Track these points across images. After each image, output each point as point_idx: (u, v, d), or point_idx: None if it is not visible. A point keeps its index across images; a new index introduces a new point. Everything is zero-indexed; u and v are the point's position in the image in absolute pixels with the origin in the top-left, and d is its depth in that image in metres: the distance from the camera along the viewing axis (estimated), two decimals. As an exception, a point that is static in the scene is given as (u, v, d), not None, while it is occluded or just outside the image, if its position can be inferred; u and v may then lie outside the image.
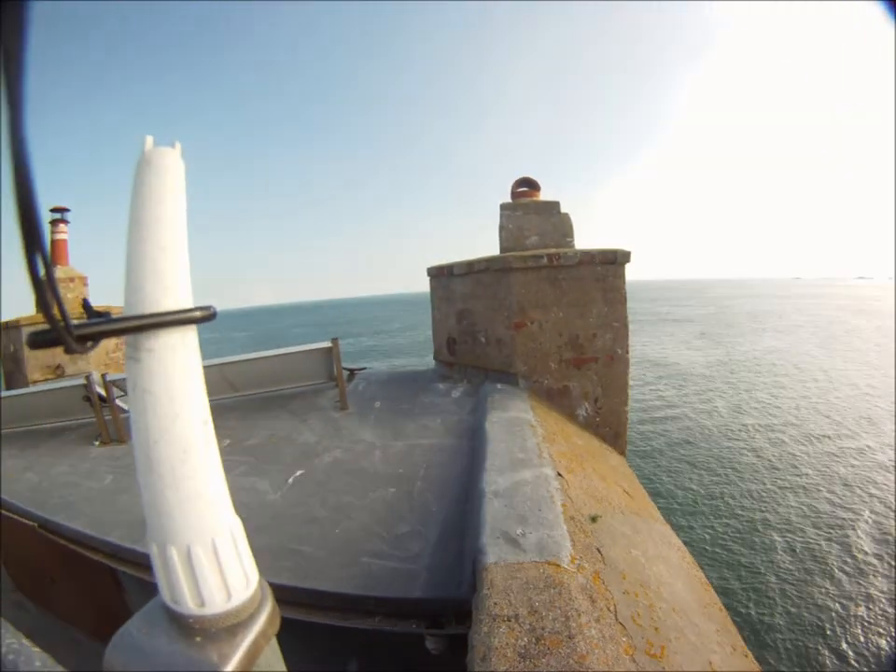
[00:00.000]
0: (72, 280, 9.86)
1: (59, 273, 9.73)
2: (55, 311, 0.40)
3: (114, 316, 0.46)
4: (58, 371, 8.90)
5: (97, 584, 3.23)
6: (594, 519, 2.27)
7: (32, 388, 7.72)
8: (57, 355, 8.85)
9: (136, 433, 0.50)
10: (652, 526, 2.70)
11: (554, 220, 5.38)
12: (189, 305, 0.49)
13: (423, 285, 6.32)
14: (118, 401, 4.95)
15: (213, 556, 0.52)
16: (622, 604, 1.69)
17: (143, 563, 2.68)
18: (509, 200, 5.59)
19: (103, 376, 4.85)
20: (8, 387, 9.06)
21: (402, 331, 55.14)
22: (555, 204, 5.45)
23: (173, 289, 0.48)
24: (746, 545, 8.79)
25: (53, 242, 9.99)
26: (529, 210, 5.38)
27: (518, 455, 2.77)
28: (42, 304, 0.38)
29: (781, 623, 7.07)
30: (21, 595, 3.99)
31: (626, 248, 4.76)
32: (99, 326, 0.44)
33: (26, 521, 3.44)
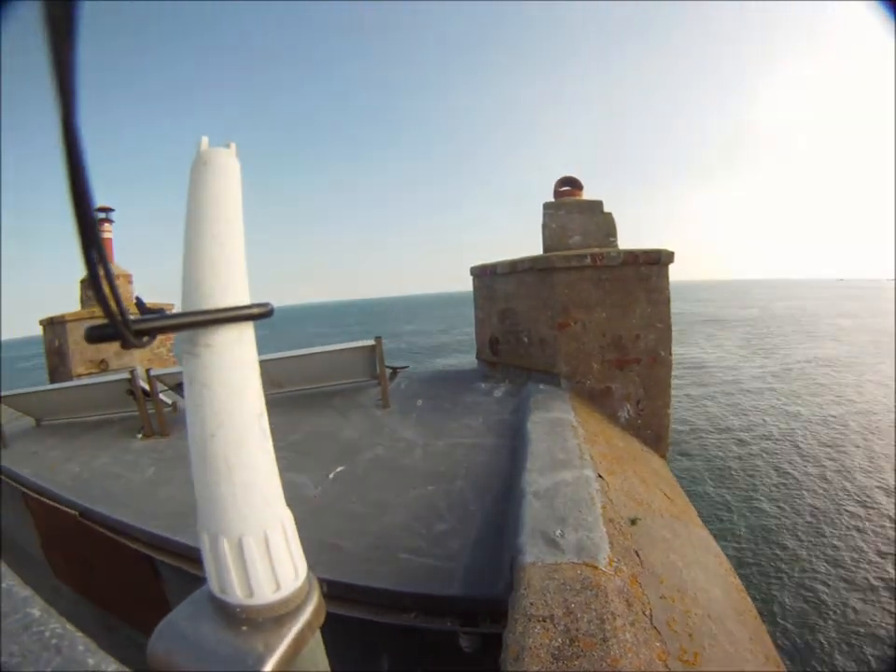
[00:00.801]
0: (117, 278, 10.13)
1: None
2: (113, 306, 0.41)
3: (172, 312, 0.48)
4: (102, 366, 9.12)
5: (135, 573, 3.30)
6: (633, 522, 2.25)
7: (76, 382, 7.95)
8: (102, 350, 9.10)
9: (192, 426, 0.51)
10: (692, 531, 2.66)
11: (597, 220, 5.32)
12: (247, 302, 0.50)
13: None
14: (161, 396, 5.07)
15: (264, 548, 0.53)
16: (657, 608, 1.67)
17: (181, 553, 2.75)
18: (552, 199, 5.54)
19: (147, 371, 4.97)
20: (52, 381, 9.34)
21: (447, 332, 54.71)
22: (598, 204, 5.39)
23: (231, 286, 0.49)
24: (789, 557, 8.50)
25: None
26: (572, 209, 5.33)
27: (559, 456, 2.75)
28: (100, 300, 0.39)
29: (819, 640, 6.82)
30: (59, 581, 4.11)
31: (669, 249, 4.69)
32: (157, 321, 0.45)
33: (67, 509, 3.54)
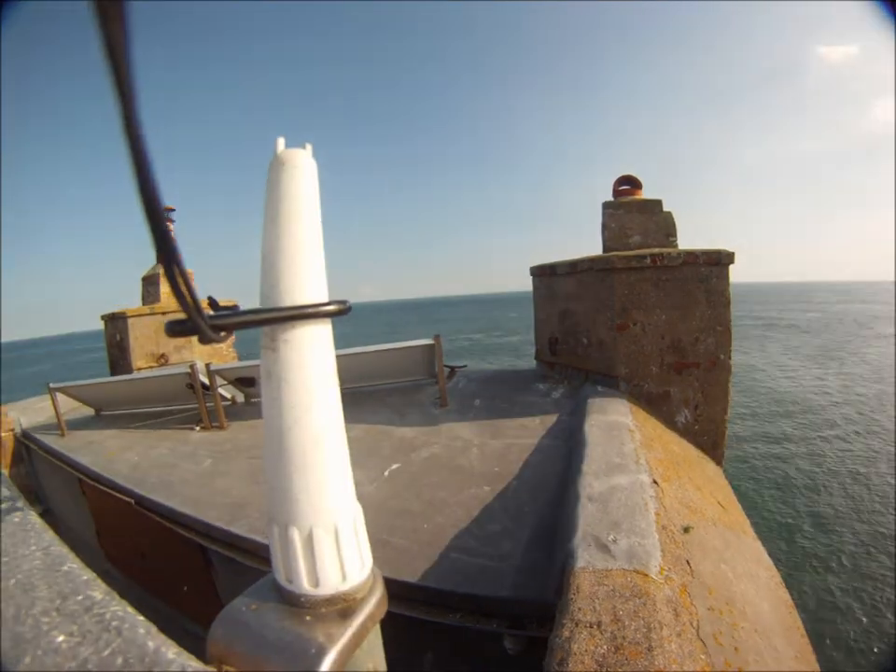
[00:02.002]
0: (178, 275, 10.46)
1: None
2: (190, 303, 0.42)
3: (251, 308, 0.49)
4: (161, 360, 9.41)
5: (187, 561, 3.39)
6: (686, 530, 2.21)
7: (137, 374, 8.22)
8: (162, 344, 9.40)
9: (269, 419, 0.53)
10: (744, 542, 2.61)
11: (657, 219, 5.24)
12: (325, 299, 0.51)
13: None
14: (220, 390, 5.20)
15: (333, 540, 0.54)
16: (705, 620, 1.64)
17: (234, 544, 2.81)
18: (611, 198, 5.48)
19: (207, 365, 5.12)
20: (113, 374, 9.69)
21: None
22: (658, 203, 5.31)
23: (309, 284, 0.50)
24: (844, 574, 8.14)
25: (160, 240, 10.65)
26: (632, 208, 5.26)
27: (615, 460, 2.72)
28: (178, 297, 0.41)
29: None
30: (111, 566, 4.25)
31: (730, 249, 4.59)
32: (235, 317, 0.47)
33: (123, 497, 3.66)
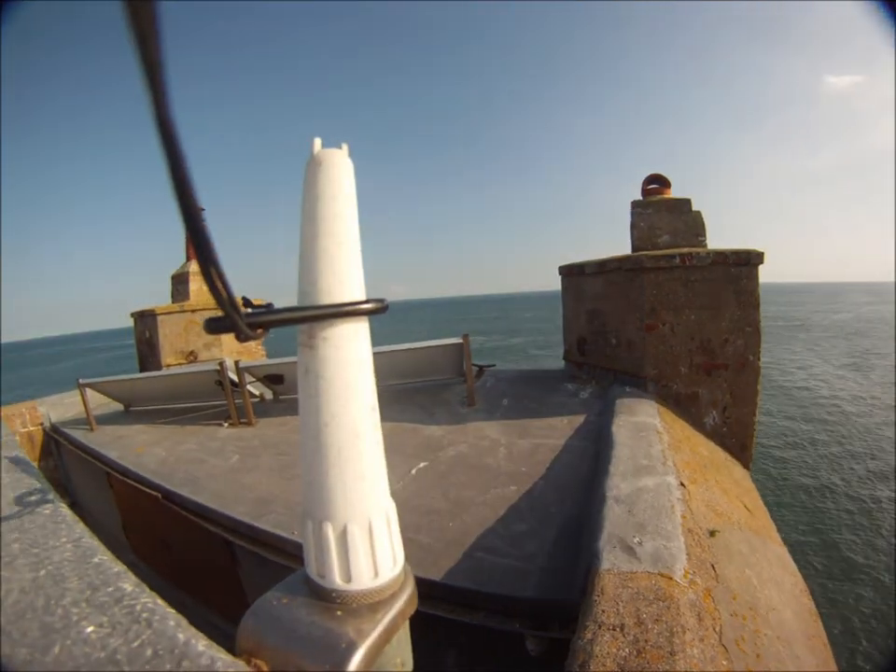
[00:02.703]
0: None
1: (195, 266, 10.53)
2: (226, 300, 0.43)
3: (288, 306, 0.50)
4: (190, 357, 9.53)
5: (212, 556, 3.42)
6: (712, 533, 2.19)
7: (166, 371, 8.34)
8: (191, 341, 9.52)
9: (306, 415, 0.53)
10: (769, 547, 2.57)
11: (686, 218, 5.19)
12: (363, 297, 0.52)
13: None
14: (249, 387, 5.25)
15: (367, 536, 0.54)
16: (728, 626, 1.62)
17: (260, 539, 2.84)
18: (639, 197, 5.43)
19: (236, 363, 5.16)
20: (142, 370, 9.83)
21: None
22: (686, 202, 5.26)
23: (347, 282, 0.51)
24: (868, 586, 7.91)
25: (189, 238, 10.80)
26: (660, 208, 5.22)
27: (642, 462, 2.70)
28: (216, 295, 0.41)
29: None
30: (137, 558, 4.30)
31: (759, 249, 4.52)
32: (272, 315, 0.48)
33: (151, 491, 3.71)
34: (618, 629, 1.48)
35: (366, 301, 0.52)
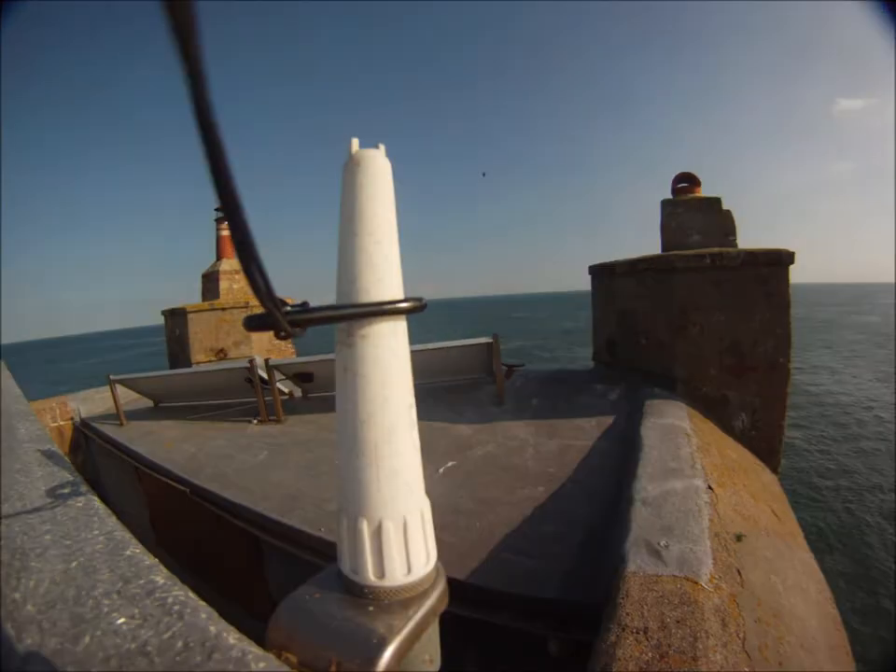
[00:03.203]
0: (237, 272, 10.77)
1: (225, 265, 10.65)
2: (268, 297, 0.43)
3: (328, 304, 0.50)
4: (220, 355, 9.64)
5: (239, 550, 3.46)
6: (738, 538, 2.16)
7: (196, 368, 8.43)
8: (221, 339, 9.65)
9: (343, 412, 0.54)
10: (795, 553, 2.54)
11: (716, 218, 5.13)
12: (401, 296, 0.52)
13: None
14: (278, 384, 5.30)
15: (402, 532, 0.55)
16: (751, 632, 1.60)
17: (286, 535, 2.86)
18: (670, 196, 5.38)
19: (266, 360, 5.22)
20: (172, 367, 9.97)
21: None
22: (717, 201, 5.19)
23: (386, 281, 0.51)
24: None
25: (220, 238, 10.98)
26: (691, 207, 5.17)
27: (670, 464, 2.69)
28: (258, 293, 0.42)
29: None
30: (163, 551, 4.36)
31: (790, 249, 4.45)
32: (314, 313, 0.48)
33: (179, 486, 3.76)
34: (641, 632, 1.48)
35: (404, 300, 0.52)
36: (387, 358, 0.52)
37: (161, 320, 10.61)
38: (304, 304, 0.48)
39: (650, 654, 1.39)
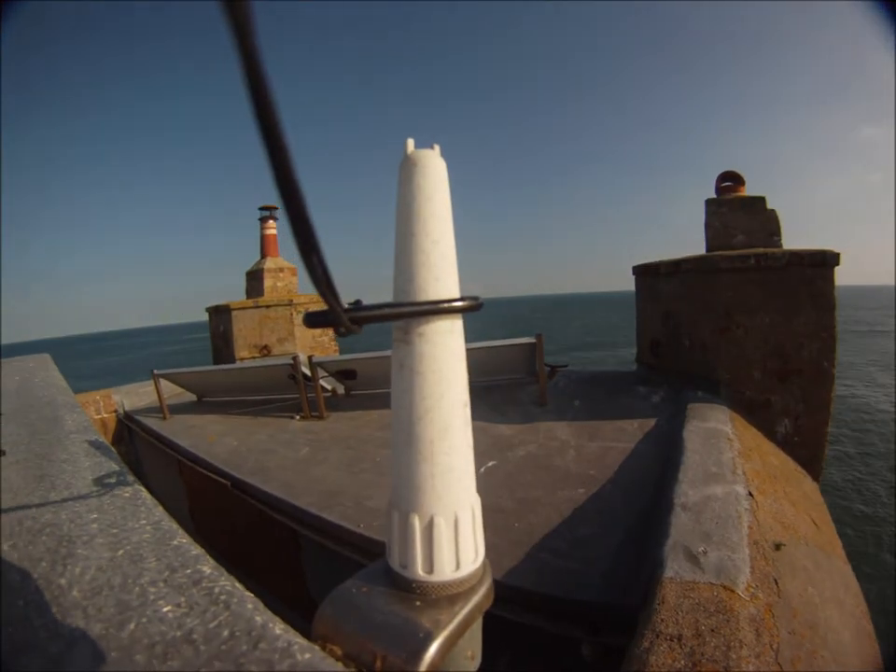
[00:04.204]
0: (281, 270, 10.95)
1: (270, 263, 10.80)
2: (330, 294, 0.44)
3: (387, 302, 0.51)
4: (264, 351, 9.79)
5: (277, 543, 3.50)
6: (777, 547, 2.12)
7: (239, 364, 8.56)
8: (265, 336, 9.80)
9: (399, 409, 0.55)
10: (834, 564, 2.49)
11: (761, 217, 5.02)
12: (457, 295, 0.53)
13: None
14: (321, 381, 5.35)
15: (452, 528, 0.55)
16: (785, 644, 1.57)
17: (325, 530, 2.89)
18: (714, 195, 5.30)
19: (309, 357, 5.28)
20: (216, 363, 10.14)
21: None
22: (761, 200, 5.08)
23: (443, 280, 0.52)
24: None
25: (264, 237, 11.17)
26: (735, 206, 5.07)
27: (712, 469, 2.65)
28: (321, 290, 0.42)
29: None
30: (201, 542, 4.46)
31: (834, 249, 4.34)
32: (374, 310, 0.49)
33: (220, 479, 3.82)
34: (675, 640, 1.47)
35: (461, 299, 0.52)
36: (444, 356, 0.53)
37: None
38: (358, 302, 0.49)
39: (682, 662, 1.38)
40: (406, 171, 0.52)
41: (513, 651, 2.25)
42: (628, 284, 6.12)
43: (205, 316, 10.86)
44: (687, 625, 1.52)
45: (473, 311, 0.54)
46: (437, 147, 0.54)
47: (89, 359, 69.99)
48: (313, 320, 0.47)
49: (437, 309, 0.51)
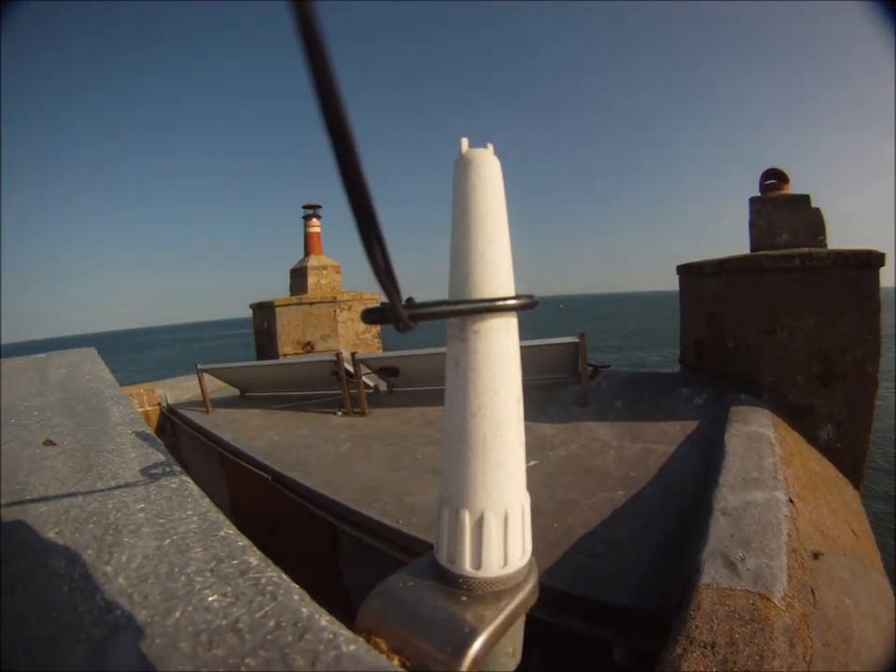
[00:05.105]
0: (325, 268, 11.07)
1: (313, 261, 10.93)
2: (392, 288, 0.44)
3: (443, 300, 0.52)
4: (307, 348, 9.90)
5: (316, 537, 3.54)
6: (816, 556, 2.09)
7: (283, 360, 8.67)
8: (308, 332, 9.92)
9: (453, 406, 0.55)
10: (871, 576, 2.44)
11: (805, 216, 4.92)
12: (512, 293, 0.53)
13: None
14: (364, 378, 5.40)
15: (502, 525, 0.55)
16: (818, 657, 1.55)
17: (364, 525, 2.90)
18: (758, 193, 5.21)
19: (353, 354, 5.34)
20: (259, 358, 10.29)
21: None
22: (805, 198, 4.99)
23: (499, 278, 0.52)
24: None
25: (308, 235, 11.33)
26: (779, 204, 4.98)
27: (753, 474, 2.61)
28: (384, 286, 0.43)
29: None
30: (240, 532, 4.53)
31: (880, 250, 4.24)
32: (432, 308, 0.49)
33: (262, 473, 3.87)
34: (708, 647, 1.46)
35: (516, 297, 0.53)
36: (499, 353, 0.53)
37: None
38: (410, 299, 0.49)
39: (714, 670, 1.38)
40: (461, 170, 0.53)
41: (545, 652, 2.25)
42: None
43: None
44: (721, 633, 1.51)
45: (528, 309, 0.54)
46: (490, 146, 0.54)
47: (135, 354, 71.56)
48: (371, 316, 0.48)
49: (492, 307, 0.51)
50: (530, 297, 0.54)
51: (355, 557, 3.26)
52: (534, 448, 3.75)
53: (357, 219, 0.37)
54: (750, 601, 1.66)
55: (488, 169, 0.53)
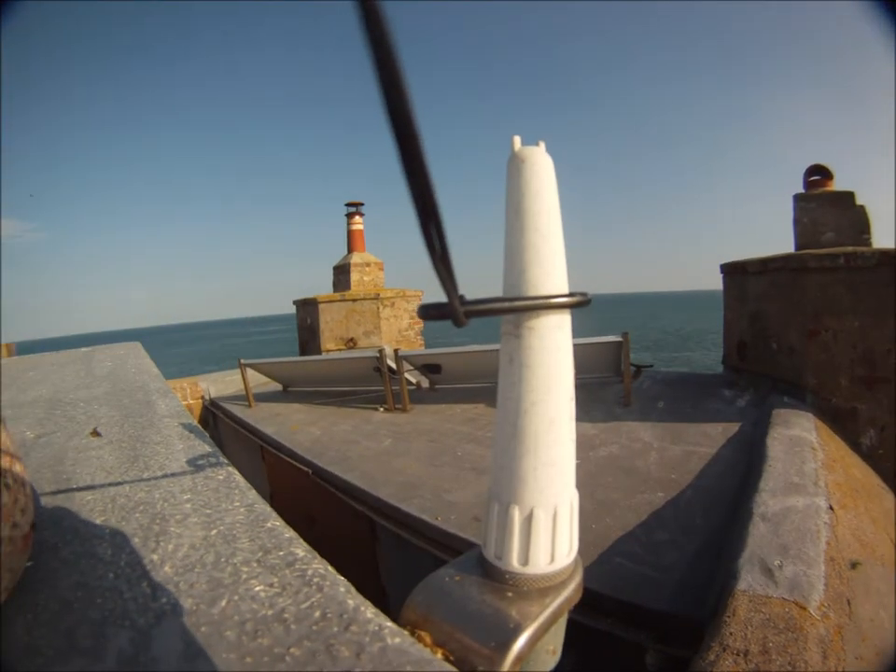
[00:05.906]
0: (368, 265, 11.18)
1: (356, 258, 11.03)
2: (451, 284, 0.44)
3: (499, 297, 0.52)
4: (349, 344, 10.00)
5: (354, 532, 3.56)
6: (854, 566, 2.05)
7: (325, 356, 8.77)
8: (351, 329, 10.04)
9: (506, 401, 0.55)
10: (909, 588, 2.37)
11: (850, 214, 4.83)
12: (566, 290, 0.53)
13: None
14: (406, 375, 5.43)
15: (551, 521, 0.56)
16: (850, 669, 1.53)
17: (403, 521, 2.92)
18: (802, 190, 5.11)
19: (395, 351, 5.38)
20: (302, 354, 10.43)
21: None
22: (850, 195, 4.89)
23: (553, 275, 0.52)
24: None
25: (350, 232, 11.45)
26: (823, 202, 4.89)
27: (794, 479, 2.57)
28: (442, 278, 0.43)
29: None
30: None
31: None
32: (488, 304, 0.49)
33: (302, 467, 3.92)
34: (741, 655, 1.45)
35: (571, 294, 0.53)
36: (553, 350, 0.53)
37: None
38: (462, 297, 0.50)
39: (745, 678, 1.36)
40: (514, 168, 0.53)
41: (578, 653, 2.24)
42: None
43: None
44: (755, 641, 1.50)
45: (582, 306, 0.54)
46: (542, 144, 0.55)
47: (179, 348, 73.06)
48: (428, 312, 0.48)
49: (547, 304, 0.52)
50: (584, 294, 0.54)
51: (392, 552, 3.28)
52: (576, 447, 3.70)
53: (415, 200, 0.36)
54: (786, 609, 1.64)
55: (542, 167, 0.53)
